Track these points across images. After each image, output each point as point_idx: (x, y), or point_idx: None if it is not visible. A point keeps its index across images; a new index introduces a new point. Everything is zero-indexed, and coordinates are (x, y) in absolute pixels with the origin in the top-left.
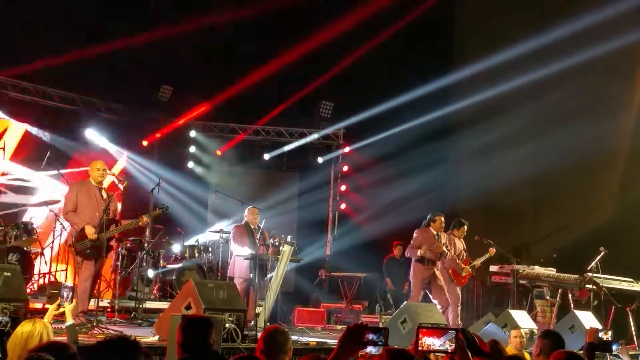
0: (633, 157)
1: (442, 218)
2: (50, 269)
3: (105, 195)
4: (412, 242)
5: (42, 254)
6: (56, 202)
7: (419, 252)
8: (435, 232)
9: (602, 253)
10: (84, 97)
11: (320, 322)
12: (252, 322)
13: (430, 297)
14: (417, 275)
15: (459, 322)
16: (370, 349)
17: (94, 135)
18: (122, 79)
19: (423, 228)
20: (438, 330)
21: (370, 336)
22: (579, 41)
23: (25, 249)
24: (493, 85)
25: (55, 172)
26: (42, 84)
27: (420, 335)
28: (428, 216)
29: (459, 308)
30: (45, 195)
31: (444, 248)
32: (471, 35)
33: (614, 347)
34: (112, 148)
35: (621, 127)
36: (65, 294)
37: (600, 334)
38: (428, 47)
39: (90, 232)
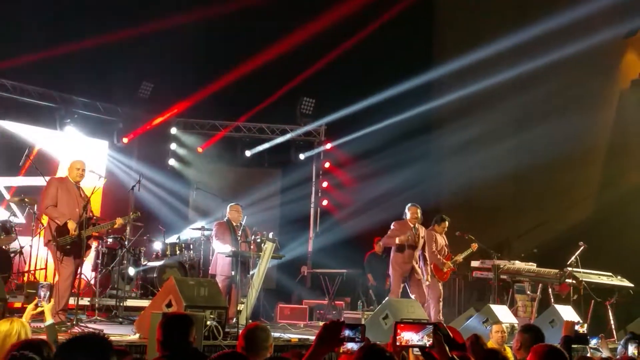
0: (613, 153)
1: (416, 209)
2: (29, 268)
3: (83, 194)
4: (388, 232)
5: (20, 252)
6: (34, 200)
7: (397, 240)
8: (412, 225)
9: (582, 248)
10: (63, 94)
11: (302, 318)
12: (234, 320)
13: (409, 291)
14: (396, 269)
15: (441, 317)
16: (352, 345)
17: (73, 132)
18: (102, 75)
19: (401, 221)
20: (416, 325)
21: (347, 332)
22: (558, 38)
23: (3, 247)
24: (474, 82)
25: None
26: (19, 80)
27: (398, 331)
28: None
29: (441, 303)
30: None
31: (407, 237)
32: (451, 32)
33: (594, 341)
34: (92, 145)
35: (601, 123)
36: (42, 294)
37: (577, 327)
38: (409, 44)
39: (73, 227)
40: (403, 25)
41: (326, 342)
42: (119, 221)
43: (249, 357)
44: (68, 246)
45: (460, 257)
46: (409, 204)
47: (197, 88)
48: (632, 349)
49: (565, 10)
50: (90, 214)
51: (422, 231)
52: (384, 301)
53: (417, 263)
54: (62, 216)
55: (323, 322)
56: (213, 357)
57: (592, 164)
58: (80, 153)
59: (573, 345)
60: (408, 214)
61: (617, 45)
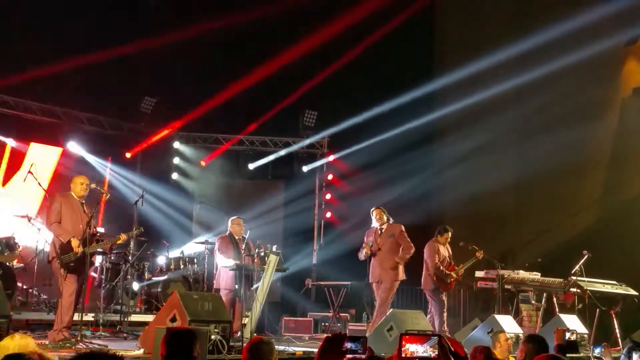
0: (615, 161)
1: (379, 210)
2: (33, 284)
3: (87, 210)
4: None
5: (24, 269)
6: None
7: (363, 253)
8: (379, 228)
9: (586, 256)
10: (66, 109)
11: (307, 331)
12: (239, 333)
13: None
14: (370, 278)
15: (445, 328)
16: (354, 358)
17: (76, 147)
18: (104, 90)
19: (370, 229)
20: (421, 336)
21: (349, 345)
22: (559, 47)
23: (7, 264)
24: (475, 92)
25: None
26: (22, 97)
27: (403, 343)
28: None
29: (445, 314)
30: (26, 209)
31: (367, 249)
32: (453, 43)
33: (597, 350)
34: (95, 160)
35: (603, 131)
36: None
37: (567, 335)
38: (410, 55)
39: (76, 244)
40: (404, 37)
41: (328, 355)
42: (122, 237)
43: None
44: (72, 263)
45: (461, 269)
46: (372, 208)
47: (199, 102)
48: (635, 358)
49: (566, 19)
50: (94, 230)
51: (391, 230)
52: (388, 313)
53: (388, 266)
54: (66, 233)
55: (325, 335)
56: None
57: (594, 172)
58: (83, 168)
59: (573, 355)
60: (373, 218)
61: (618, 54)
